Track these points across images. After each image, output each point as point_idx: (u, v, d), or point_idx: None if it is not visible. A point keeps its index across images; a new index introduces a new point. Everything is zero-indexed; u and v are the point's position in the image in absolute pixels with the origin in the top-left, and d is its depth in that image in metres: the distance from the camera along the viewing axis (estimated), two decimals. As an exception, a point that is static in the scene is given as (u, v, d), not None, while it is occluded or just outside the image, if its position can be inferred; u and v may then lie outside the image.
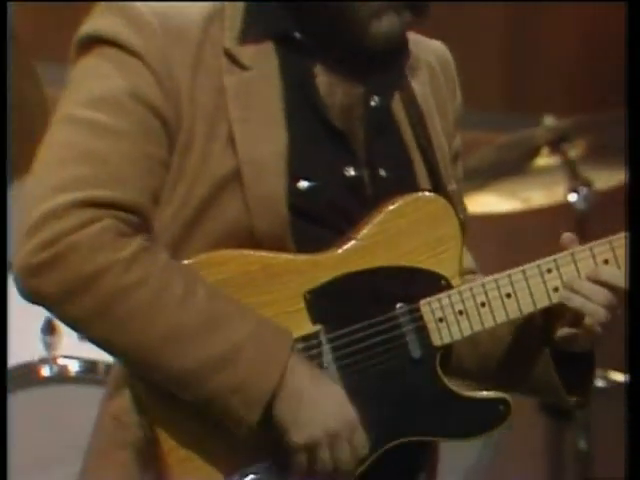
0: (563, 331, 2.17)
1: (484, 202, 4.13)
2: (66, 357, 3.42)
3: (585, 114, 4.19)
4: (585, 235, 4.22)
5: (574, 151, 4.01)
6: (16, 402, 3.42)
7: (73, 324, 2.16)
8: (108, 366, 3.43)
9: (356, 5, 2.23)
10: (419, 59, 2.36)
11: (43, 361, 3.45)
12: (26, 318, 3.37)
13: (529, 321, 2.25)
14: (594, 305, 2.19)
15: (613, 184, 4.09)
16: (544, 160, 4.06)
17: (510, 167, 4.05)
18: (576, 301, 2.16)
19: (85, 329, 2.21)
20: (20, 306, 3.42)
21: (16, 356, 3.35)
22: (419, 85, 2.37)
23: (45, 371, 3.47)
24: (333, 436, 2.18)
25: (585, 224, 4.01)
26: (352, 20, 2.22)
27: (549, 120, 4.02)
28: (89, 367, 3.50)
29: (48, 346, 3.43)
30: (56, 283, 2.15)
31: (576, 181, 4.00)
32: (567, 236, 2.15)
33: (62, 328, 3.47)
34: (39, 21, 5.28)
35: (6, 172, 3.26)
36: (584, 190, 3.99)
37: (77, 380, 3.49)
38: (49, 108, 3.38)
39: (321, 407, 2.22)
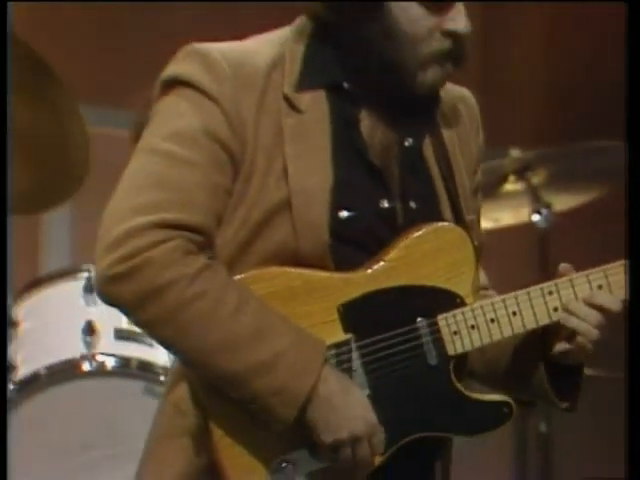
0: (559, 346, 2.39)
1: None
2: (103, 354, 3.59)
3: (546, 147, 4.36)
4: (545, 249, 4.38)
5: (536, 178, 4.18)
6: (61, 393, 3.64)
7: (143, 326, 2.41)
8: (139, 362, 3.69)
9: (405, 59, 2.42)
10: (447, 104, 2.55)
11: (84, 357, 3.61)
12: (69, 321, 3.65)
13: (530, 334, 2.45)
14: (587, 325, 2.39)
15: (570, 206, 4.34)
16: (511, 186, 4.23)
17: (482, 192, 3.60)
18: (572, 322, 2.37)
19: (152, 332, 2.44)
20: (64, 311, 3.77)
21: (61, 353, 3.61)
22: (446, 128, 2.57)
23: (85, 366, 3.59)
24: (356, 438, 2.36)
25: (546, 241, 4.23)
26: (400, 72, 2.40)
27: (515, 152, 4.22)
28: (123, 363, 3.67)
29: (88, 345, 3.59)
30: (131, 292, 2.35)
31: (538, 204, 4.19)
32: (564, 266, 2.40)
33: (100, 329, 3.64)
34: (85, 67, 5.17)
35: (6, 172, 3.16)
36: (545, 211, 4.19)
37: (112, 374, 3.66)
38: (89, 142, 3.69)
39: (347, 412, 2.40)
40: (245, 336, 2.35)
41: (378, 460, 2.38)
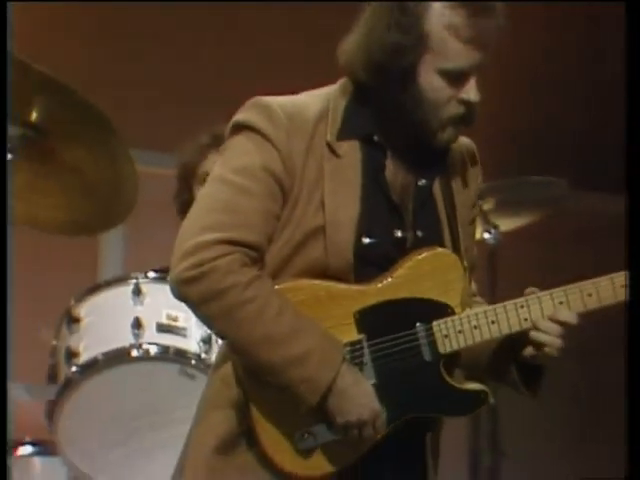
0: (528, 350, 2.70)
1: None
2: (147, 343, 3.88)
3: (493, 181, 4.41)
4: (494, 259, 4.62)
5: (486, 205, 4.51)
6: (114, 374, 3.96)
7: (204, 320, 2.75)
8: (175, 349, 3.99)
9: (428, 120, 2.68)
10: (454, 151, 2.82)
11: (132, 346, 3.90)
12: (121, 317, 3.94)
13: (505, 339, 2.75)
14: (552, 338, 2.66)
15: (511, 227, 4.68)
16: None
17: None
18: (540, 337, 2.67)
19: (211, 324, 2.74)
20: (116, 309, 3.99)
21: (114, 342, 3.92)
22: (452, 170, 2.84)
23: (134, 353, 3.89)
24: (362, 422, 2.65)
25: (494, 253, 4.60)
26: (424, 130, 2.69)
27: None
28: (163, 350, 3.97)
29: (135, 336, 3.89)
30: (198, 292, 2.63)
31: (488, 225, 4.55)
32: (530, 289, 2.73)
33: (145, 324, 3.95)
34: (136, 116, 5.32)
35: (6, 172, 3.36)
36: (493, 231, 4.55)
37: (155, 359, 3.97)
38: (137, 179, 3.93)
39: (357, 401, 2.67)
40: (283, 334, 2.64)
41: (380, 435, 2.73)
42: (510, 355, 2.78)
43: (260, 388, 2.70)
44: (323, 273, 2.68)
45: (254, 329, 2.64)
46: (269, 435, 2.73)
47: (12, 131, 3.82)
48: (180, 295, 2.67)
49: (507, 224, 4.60)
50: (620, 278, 2.74)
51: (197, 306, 2.68)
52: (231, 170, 2.71)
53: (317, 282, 2.69)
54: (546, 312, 2.68)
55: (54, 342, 4.07)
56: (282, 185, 2.68)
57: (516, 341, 2.72)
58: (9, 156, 3.77)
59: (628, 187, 2.94)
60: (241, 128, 2.72)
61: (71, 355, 3.93)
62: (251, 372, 2.71)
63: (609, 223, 5.58)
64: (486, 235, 4.51)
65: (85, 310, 3.99)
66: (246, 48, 6.41)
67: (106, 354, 3.87)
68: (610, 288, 2.73)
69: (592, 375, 6.32)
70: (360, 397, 2.69)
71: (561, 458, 6.26)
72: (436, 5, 2.62)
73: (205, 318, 2.73)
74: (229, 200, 2.69)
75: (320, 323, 2.68)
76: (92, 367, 3.87)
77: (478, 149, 3.91)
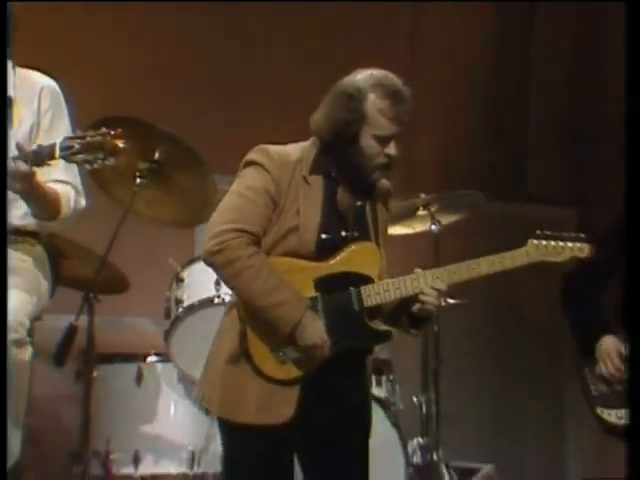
0: (416, 306, 3.09)
1: (396, 230, 4.54)
2: (225, 294, 4.33)
3: (438, 192, 4.78)
4: (437, 244, 4.60)
5: (433, 208, 4.68)
6: (204, 315, 4.45)
7: (221, 278, 3.24)
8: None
9: (365, 166, 3.08)
10: (379, 186, 3.22)
11: (215, 296, 4.44)
12: (208, 278, 4.31)
13: (403, 299, 3.12)
14: (430, 298, 3.08)
15: (449, 222, 4.75)
16: (420, 212, 4.72)
17: (405, 214, 4.68)
18: (423, 297, 3.07)
19: (225, 281, 3.17)
20: (205, 273, 3.96)
21: (204, 294, 4.46)
22: (377, 198, 3.24)
23: (215, 300, 4.42)
24: (316, 345, 3.02)
25: (437, 240, 4.67)
26: (362, 172, 3.11)
27: (422, 196, 4.69)
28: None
29: (217, 290, 4.40)
30: (219, 261, 3.01)
31: (434, 220, 4.66)
32: (418, 269, 3.09)
33: (222, 283, 4.01)
34: (215, 144, 5.18)
35: (6, 173, 3.31)
36: (437, 225, 4.65)
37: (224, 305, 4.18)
38: (217, 193, 4.16)
39: (313, 333, 3.03)
40: (270, 289, 3.02)
41: (328, 354, 3.06)
42: (404, 310, 3.16)
43: (253, 322, 3.09)
44: (296, 255, 3.09)
45: (252, 285, 3.03)
46: (259, 353, 3.10)
47: (143, 165, 4.36)
48: (208, 262, 3.08)
49: (445, 220, 4.75)
50: (470, 264, 3.16)
51: (217, 269, 3.11)
52: (244, 187, 3.08)
53: (291, 259, 3.11)
54: (429, 283, 3.12)
55: (167, 293, 4.61)
56: (274, 200, 3.04)
57: (409, 301, 3.11)
58: (140, 180, 4.37)
59: (628, 192, 3.27)
60: (251, 163, 3.09)
61: (178, 302, 4.53)
62: (249, 312, 3.08)
63: (509, 222, 5.92)
64: (433, 227, 4.68)
65: (186, 273, 4.59)
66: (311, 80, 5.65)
67: (199, 301, 4.46)
68: (465, 270, 3.16)
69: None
70: (315, 330, 3.05)
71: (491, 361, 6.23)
72: (371, 96, 3.04)
73: (222, 277, 3.19)
74: (240, 205, 3.08)
75: (292, 284, 3.05)
76: (191, 309, 4.48)
77: (430, 174, 4.58)
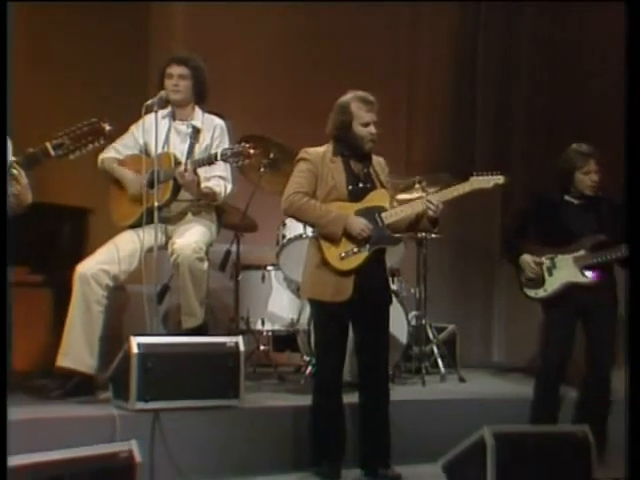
0: (425, 216, 3.35)
1: (403, 196, 4.59)
2: (309, 232, 4.24)
3: (425, 174, 4.85)
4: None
5: (423, 183, 4.76)
6: (295, 244, 4.62)
7: (296, 219, 3.58)
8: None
9: (361, 142, 3.37)
10: (375, 159, 3.47)
11: (303, 233, 4.57)
12: (299, 224, 4.39)
13: (417, 215, 3.37)
14: (433, 209, 3.31)
15: (432, 191, 4.13)
16: (417, 186, 4.78)
17: (408, 187, 4.81)
18: (428, 205, 3.31)
19: (298, 219, 3.55)
20: (295, 223, 4.32)
21: (297, 231, 4.63)
22: (374, 165, 3.47)
23: (303, 236, 4.57)
24: (363, 229, 3.26)
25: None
26: (359, 146, 3.38)
27: (417, 177, 4.82)
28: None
29: (304, 229, 4.55)
30: (291, 209, 3.40)
31: (424, 192, 4.53)
32: (428, 197, 3.25)
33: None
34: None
35: (6, 172, 2.92)
36: (426, 192, 4.44)
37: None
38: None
39: (359, 223, 3.27)
40: (322, 211, 3.30)
41: (368, 252, 3.22)
42: (418, 220, 3.40)
43: (324, 240, 3.35)
44: (337, 201, 3.37)
45: (312, 212, 3.36)
46: (330, 257, 3.37)
47: (264, 161, 4.69)
48: (285, 213, 3.48)
49: (430, 190, 4.53)
50: (445, 191, 3.35)
51: (292, 214, 3.48)
52: (297, 171, 3.43)
53: (337, 203, 3.40)
54: (433, 200, 3.34)
55: (277, 232, 4.82)
56: (314, 174, 3.37)
57: (422, 213, 3.36)
58: (263, 170, 4.63)
59: (628, 185, 2.91)
60: (299, 159, 3.43)
61: (283, 237, 4.79)
62: (319, 233, 3.36)
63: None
64: (423, 193, 4.57)
65: (287, 221, 4.81)
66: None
67: (294, 236, 4.74)
68: (446, 193, 3.38)
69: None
70: (359, 222, 3.30)
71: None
72: (353, 103, 3.35)
73: (296, 217, 3.53)
74: (296, 180, 3.42)
75: (338, 211, 3.28)
76: (290, 240, 4.75)
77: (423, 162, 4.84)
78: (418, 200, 3.41)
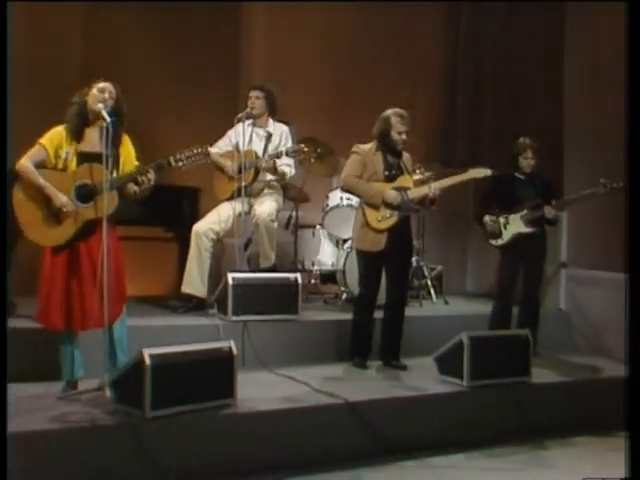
0: (427, 200, 3.42)
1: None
2: (345, 201, 4.72)
3: (423, 163, 4.53)
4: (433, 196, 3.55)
5: (423, 168, 4.36)
6: (334, 211, 4.82)
7: (353, 194, 3.62)
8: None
9: (394, 145, 3.46)
10: (404, 155, 3.55)
11: (339, 203, 4.76)
12: (337, 195, 4.75)
13: (424, 195, 3.44)
14: (431, 191, 3.42)
15: (428, 176, 4.18)
16: (417, 170, 4.26)
17: (413, 171, 4.04)
18: (430, 189, 3.37)
19: (353, 193, 3.61)
20: (336, 193, 4.70)
21: (336, 201, 4.81)
22: (404, 159, 3.57)
23: (339, 205, 4.82)
24: (395, 198, 3.29)
25: (425, 182, 3.82)
26: (394, 147, 3.47)
27: (418, 164, 4.32)
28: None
29: (340, 199, 4.80)
30: (346, 187, 3.53)
31: (429, 180, 4.02)
32: (429, 183, 3.25)
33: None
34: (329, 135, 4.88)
35: (6, 171, 2.79)
36: (432, 181, 3.89)
37: (350, 207, 4.64)
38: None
39: (393, 194, 3.33)
40: (368, 186, 3.40)
41: (397, 217, 3.22)
42: (425, 198, 3.43)
43: (367, 206, 3.45)
44: (378, 182, 3.46)
45: (361, 188, 3.47)
46: (371, 219, 3.45)
47: (314, 155, 4.57)
48: (342, 189, 3.64)
49: (427, 173, 4.29)
50: (445, 180, 3.30)
51: (347, 190, 3.58)
52: (350, 160, 3.55)
53: (378, 183, 3.49)
54: (432, 187, 3.38)
55: (323, 202, 4.99)
56: (363, 163, 3.48)
57: (425, 196, 3.39)
58: (313, 160, 4.61)
59: (630, 187, 2.60)
60: (354, 152, 3.53)
61: (327, 205, 4.94)
62: (365, 201, 3.46)
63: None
64: (422, 176, 4.28)
65: (330, 194, 4.97)
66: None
67: (334, 205, 4.92)
68: (445, 182, 3.38)
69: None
70: (394, 194, 3.37)
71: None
72: (393, 119, 3.41)
73: (350, 192, 3.64)
74: (350, 167, 3.55)
75: (378, 186, 3.32)
76: (332, 208, 4.92)
77: (423, 152, 4.63)
78: (427, 185, 3.59)
